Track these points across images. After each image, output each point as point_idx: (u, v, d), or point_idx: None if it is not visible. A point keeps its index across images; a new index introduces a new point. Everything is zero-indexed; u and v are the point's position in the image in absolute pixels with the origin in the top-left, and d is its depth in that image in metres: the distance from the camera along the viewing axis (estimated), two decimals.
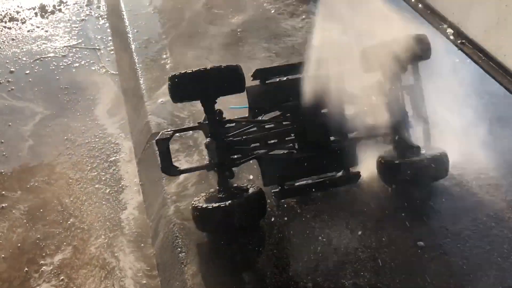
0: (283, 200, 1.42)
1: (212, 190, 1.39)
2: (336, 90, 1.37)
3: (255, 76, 1.43)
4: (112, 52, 2.43)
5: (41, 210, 1.61)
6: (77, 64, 2.33)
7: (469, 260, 1.26)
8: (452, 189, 1.47)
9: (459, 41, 1.44)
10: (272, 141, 1.43)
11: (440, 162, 1.39)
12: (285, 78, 1.46)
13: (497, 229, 1.34)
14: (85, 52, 2.42)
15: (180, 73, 1.30)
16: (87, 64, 2.34)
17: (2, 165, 1.79)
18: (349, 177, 1.44)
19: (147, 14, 2.49)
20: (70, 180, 1.72)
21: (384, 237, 1.31)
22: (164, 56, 2.15)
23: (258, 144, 1.40)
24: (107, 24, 2.62)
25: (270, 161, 1.40)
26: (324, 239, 1.31)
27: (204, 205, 1.27)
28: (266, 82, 1.45)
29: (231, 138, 1.38)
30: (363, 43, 1.46)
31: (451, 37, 1.48)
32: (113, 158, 1.83)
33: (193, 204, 1.31)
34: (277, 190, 1.40)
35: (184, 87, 1.30)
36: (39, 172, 1.77)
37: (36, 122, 1.99)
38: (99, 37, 2.54)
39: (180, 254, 1.30)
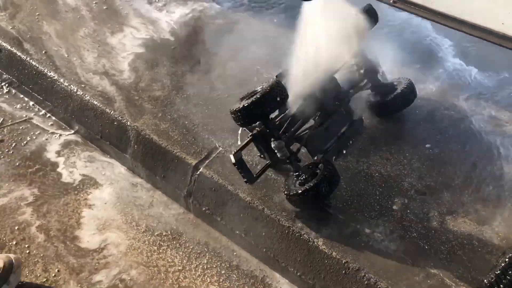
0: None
1: (289, 176, 1.70)
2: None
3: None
4: (49, 115, 2.34)
5: None
6: (23, 144, 2.21)
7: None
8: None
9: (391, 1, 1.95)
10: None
11: (412, 88, 1.95)
12: None
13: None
14: (21, 127, 2.29)
15: (239, 108, 1.55)
16: (34, 137, 2.23)
17: None
18: (359, 124, 1.88)
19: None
20: None
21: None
22: None
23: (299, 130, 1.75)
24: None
25: (309, 138, 1.75)
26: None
27: (299, 190, 1.60)
28: None
29: (285, 134, 1.69)
30: None
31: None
32: None
33: (286, 193, 1.63)
34: (322, 155, 1.78)
35: (250, 117, 1.57)
36: None
37: None
38: (18, 106, 2.38)
39: None
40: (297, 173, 1.66)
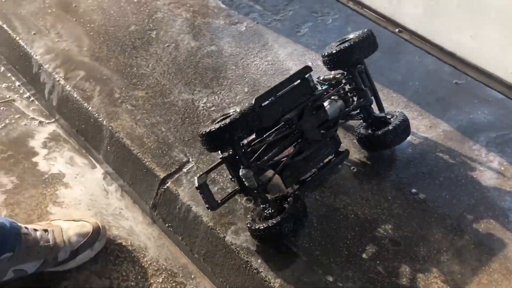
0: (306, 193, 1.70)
1: (253, 210, 1.60)
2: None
3: (256, 103, 1.61)
4: (32, 99, 2.27)
5: None
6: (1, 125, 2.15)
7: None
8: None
9: (397, 30, 1.80)
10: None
11: (406, 124, 1.80)
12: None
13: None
14: (1, 108, 2.22)
15: (208, 130, 1.44)
16: (13, 121, 2.17)
17: None
18: (342, 155, 1.75)
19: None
20: None
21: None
22: None
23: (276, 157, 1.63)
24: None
25: (285, 167, 1.64)
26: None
27: (261, 226, 1.49)
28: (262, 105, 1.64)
29: (256, 162, 1.58)
30: None
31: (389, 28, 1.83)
32: None
33: (249, 226, 1.52)
34: (297, 187, 1.66)
35: (216, 143, 1.45)
36: None
37: None
38: (4, 85, 2.32)
39: None
40: (263, 206, 1.55)
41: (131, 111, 1.95)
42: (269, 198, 1.57)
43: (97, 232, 1.69)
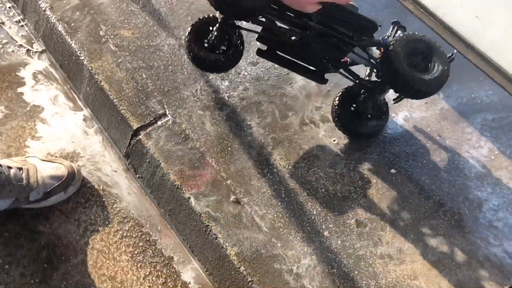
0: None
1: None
2: None
3: None
4: (22, 24, 2.19)
5: None
6: None
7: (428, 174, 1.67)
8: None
9: None
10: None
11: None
12: None
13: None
14: None
15: None
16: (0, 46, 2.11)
17: None
18: (319, 76, 1.58)
19: None
20: None
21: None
22: None
23: None
24: None
25: (269, 33, 1.53)
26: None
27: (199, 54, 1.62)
28: None
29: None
30: None
31: None
32: None
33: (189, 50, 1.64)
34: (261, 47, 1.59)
35: None
36: None
37: None
38: None
39: None
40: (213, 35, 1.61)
41: (115, 52, 1.86)
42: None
43: (72, 175, 1.70)
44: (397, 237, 1.53)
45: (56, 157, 1.82)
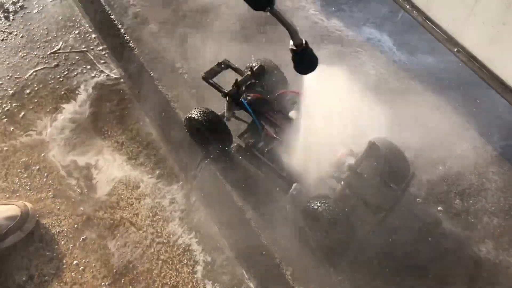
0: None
1: None
2: None
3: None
4: (104, 52, 2.46)
5: None
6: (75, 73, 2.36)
7: None
8: None
9: (455, 49, 1.77)
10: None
11: None
12: None
13: None
14: (77, 57, 2.43)
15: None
16: (84, 71, 2.37)
17: None
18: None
19: None
20: None
21: None
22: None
23: None
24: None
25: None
26: None
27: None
28: None
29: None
30: None
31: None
32: None
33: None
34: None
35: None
36: None
37: None
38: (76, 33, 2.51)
39: None
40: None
41: None
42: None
43: (26, 214, 1.74)
44: None
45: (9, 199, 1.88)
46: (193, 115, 1.79)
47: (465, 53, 1.72)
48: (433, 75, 2.22)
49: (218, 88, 1.79)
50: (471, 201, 1.81)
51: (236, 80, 1.74)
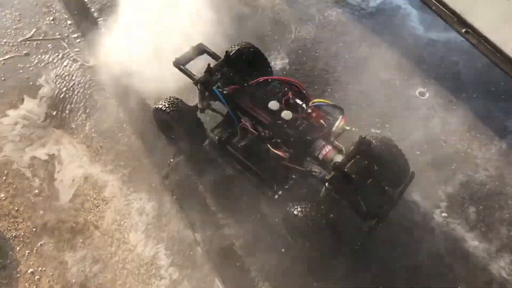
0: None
1: None
2: None
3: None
4: (79, 40, 2.26)
5: None
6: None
7: None
8: None
9: (463, 30, 1.50)
10: None
11: None
12: None
13: None
14: (49, 45, 2.23)
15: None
16: (56, 60, 2.17)
17: None
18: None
19: None
20: None
21: None
22: None
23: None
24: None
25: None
26: None
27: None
28: None
29: None
30: None
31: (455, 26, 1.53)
32: None
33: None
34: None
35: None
36: None
37: None
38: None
39: None
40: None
41: None
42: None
43: None
44: None
45: None
46: (160, 106, 1.58)
47: (475, 34, 1.47)
48: None
49: (189, 75, 1.58)
50: None
51: (209, 65, 1.53)
